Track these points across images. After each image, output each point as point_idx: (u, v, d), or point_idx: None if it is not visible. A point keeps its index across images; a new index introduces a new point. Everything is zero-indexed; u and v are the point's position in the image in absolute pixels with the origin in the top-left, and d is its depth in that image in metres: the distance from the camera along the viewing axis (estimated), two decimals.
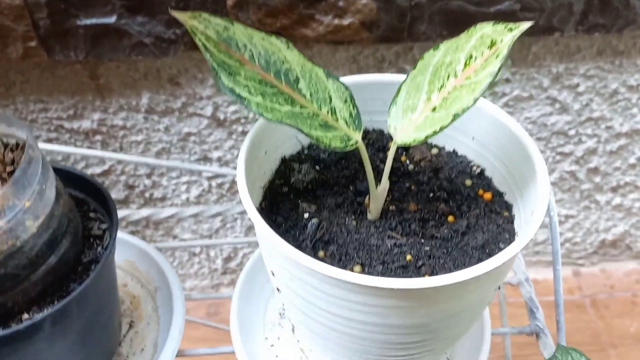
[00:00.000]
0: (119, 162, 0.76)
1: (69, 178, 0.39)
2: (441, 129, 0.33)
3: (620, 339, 0.90)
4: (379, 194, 0.36)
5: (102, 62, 0.67)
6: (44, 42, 0.62)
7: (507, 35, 0.33)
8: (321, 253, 0.36)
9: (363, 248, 0.35)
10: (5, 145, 0.37)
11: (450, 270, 0.34)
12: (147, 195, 0.79)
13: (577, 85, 0.75)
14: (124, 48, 0.64)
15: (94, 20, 0.62)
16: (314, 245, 0.36)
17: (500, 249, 0.36)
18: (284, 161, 0.42)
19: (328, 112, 0.35)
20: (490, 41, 0.33)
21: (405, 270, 0.34)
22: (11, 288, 0.33)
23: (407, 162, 0.42)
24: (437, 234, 0.36)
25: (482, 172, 0.42)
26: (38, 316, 0.33)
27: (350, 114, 0.36)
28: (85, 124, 0.72)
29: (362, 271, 0.34)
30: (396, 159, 0.42)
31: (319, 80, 0.36)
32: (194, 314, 0.89)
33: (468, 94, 0.33)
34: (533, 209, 0.34)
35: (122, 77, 0.69)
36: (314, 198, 0.39)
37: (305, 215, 0.37)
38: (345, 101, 0.36)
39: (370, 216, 0.38)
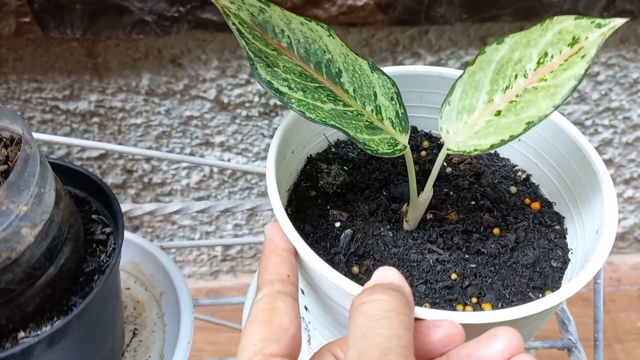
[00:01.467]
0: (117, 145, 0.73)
1: (68, 174, 0.36)
2: (511, 138, 0.28)
3: (625, 334, 0.89)
4: (420, 203, 0.33)
5: (100, 40, 0.63)
6: (38, 17, 0.58)
7: (593, 31, 0.28)
8: (355, 269, 0.32)
9: (402, 264, 0.32)
10: None
11: (500, 292, 0.31)
12: (145, 180, 0.76)
13: (597, 74, 0.72)
14: (124, 26, 0.60)
15: None
16: (347, 259, 0.32)
17: (552, 267, 0.32)
18: (310, 161, 0.38)
19: (373, 111, 0.31)
20: (571, 38, 0.28)
21: (450, 291, 0.31)
22: (5, 304, 0.29)
23: (445, 164, 0.39)
24: (483, 249, 0.33)
25: (527, 178, 0.38)
26: (35, 335, 0.29)
27: (397, 114, 0.32)
28: (82, 105, 0.68)
29: None
30: (431, 160, 0.38)
31: (363, 74, 0.32)
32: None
33: (546, 99, 0.28)
34: (598, 227, 0.31)
35: (121, 56, 0.65)
36: (344, 203, 0.36)
37: (337, 225, 0.34)
38: (392, 99, 0.32)
39: (407, 226, 0.34)
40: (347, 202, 0.36)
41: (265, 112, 0.72)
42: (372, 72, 0.32)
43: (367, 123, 0.31)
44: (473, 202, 0.35)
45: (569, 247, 0.34)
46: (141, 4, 0.58)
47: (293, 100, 0.29)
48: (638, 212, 0.91)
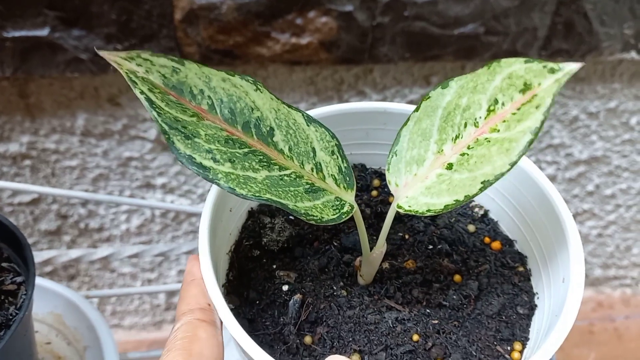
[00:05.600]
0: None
1: None
2: (466, 198, 0.26)
3: None
4: (374, 258, 0.30)
5: (33, 78, 0.60)
6: None
7: (547, 77, 0.25)
8: (308, 339, 0.29)
9: (360, 328, 0.29)
10: None
11: (466, 349, 0.28)
12: (81, 225, 0.72)
13: None
14: (57, 64, 0.57)
15: (23, 33, 0.55)
16: (298, 327, 0.29)
17: (519, 315, 0.30)
18: (252, 214, 0.35)
19: (312, 170, 0.28)
20: (522, 83, 0.26)
21: (413, 356, 0.28)
22: None
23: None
24: (445, 301, 0.30)
25: (485, 214, 0.36)
26: None
27: (340, 169, 0.29)
28: (13, 147, 0.64)
29: None
30: (383, 200, 0.36)
31: (299, 129, 0.29)
32: None
33: (500, 154, 0.25)
34: (563, 275, 0.28)
35: (56, 95, 0.62)
36: (292, 261, 0.32)
37: (285, 288, 0.31)
38: (333, 153, 0.29)
39: (362, 280, 0.31)
40: (295, 259, 0.33)
41: None
42: (308, 126, 0.29)
43: (307, 187, 0.28)
44: (430, 247, 0.33)
45: (534, 290, 0.32)
46: (76, 42, 0.56)
47: (220, 176, 0.25)
48: (584, 247, 0.92)
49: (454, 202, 0.26)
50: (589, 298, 0.97)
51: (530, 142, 0.24)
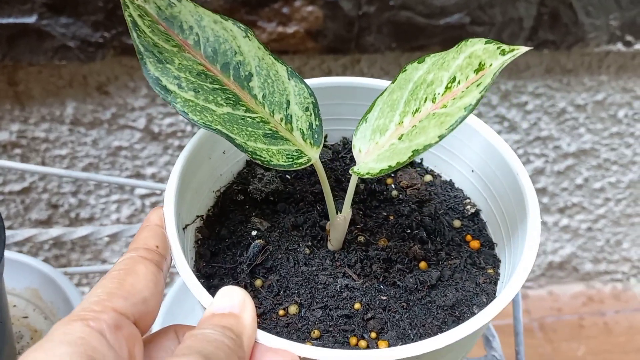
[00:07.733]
0: (41, 178, 0.69)
1: None
2: (397, 165, 0.27)
3: None
4: (338, 223, 0.31)
5: (22, 66, 0.61)
6: None
7: (497, 59, 0.26)
8: (259, 282, 0.30)
9: (307, 284, 0.30)
10: None
11: (404, 331, 0.29)
12: (72, 215, 0.72)
13: (526, 103, 0.74)
14: (45, 51, 0.58)
15: (11, 20, 0.56)
16: (252, 270, 0.30)
17: (473, 314, 0.30)
18: (249, 164, 0.36)
19: (282, 120, 0.30)
20: (478, 63, 0.26)
21: (348, 321, 0.29)
22: None
23: (392, 186, 0.36)
24: (401, 282, 0.31)
25: (476, 213, 0.35)
26: None
27: (310, 125, 0.31)
28: (3, 136, 0.65)
29: (298, 313, 0.29)
30: (381, 180, 0.36)
31: (278, 80, 0.30)
32: None
33: (435, 127, 0.26)
34: (517, 261, 0.28)
35: (44, 83, 0.62)
36: (272, 213, 0.34)
37: (253, 233, 0.32)
38: (307, 109, 0.31)
39: (330, 246, 0.32)
40: (275, 212, 0.34)
41: None
42: (289, 80, 0.31)
43: (268, 132, 0.29)
44: (408, 231, 0.33)
45: (496, 295, 0.31)
46: (63, 29, 0.57)
47: (179, 100, 0.27)
48: (574, 241, 0.92)
49: (387, 168, 0.27)
50: (580, 292, 0.98)
51: (463, 118, 0.25)
